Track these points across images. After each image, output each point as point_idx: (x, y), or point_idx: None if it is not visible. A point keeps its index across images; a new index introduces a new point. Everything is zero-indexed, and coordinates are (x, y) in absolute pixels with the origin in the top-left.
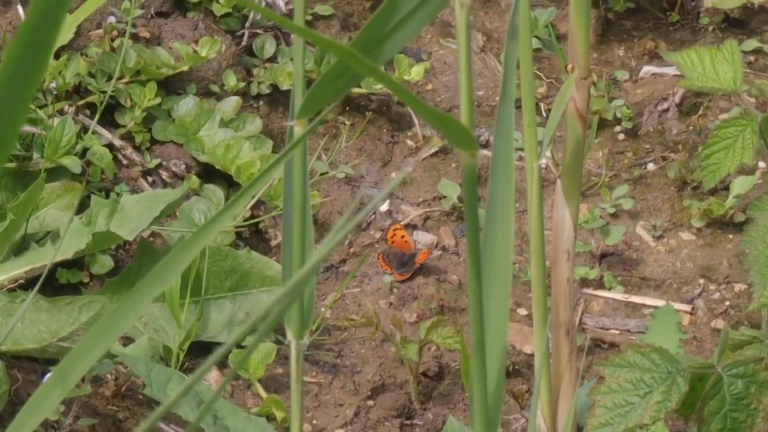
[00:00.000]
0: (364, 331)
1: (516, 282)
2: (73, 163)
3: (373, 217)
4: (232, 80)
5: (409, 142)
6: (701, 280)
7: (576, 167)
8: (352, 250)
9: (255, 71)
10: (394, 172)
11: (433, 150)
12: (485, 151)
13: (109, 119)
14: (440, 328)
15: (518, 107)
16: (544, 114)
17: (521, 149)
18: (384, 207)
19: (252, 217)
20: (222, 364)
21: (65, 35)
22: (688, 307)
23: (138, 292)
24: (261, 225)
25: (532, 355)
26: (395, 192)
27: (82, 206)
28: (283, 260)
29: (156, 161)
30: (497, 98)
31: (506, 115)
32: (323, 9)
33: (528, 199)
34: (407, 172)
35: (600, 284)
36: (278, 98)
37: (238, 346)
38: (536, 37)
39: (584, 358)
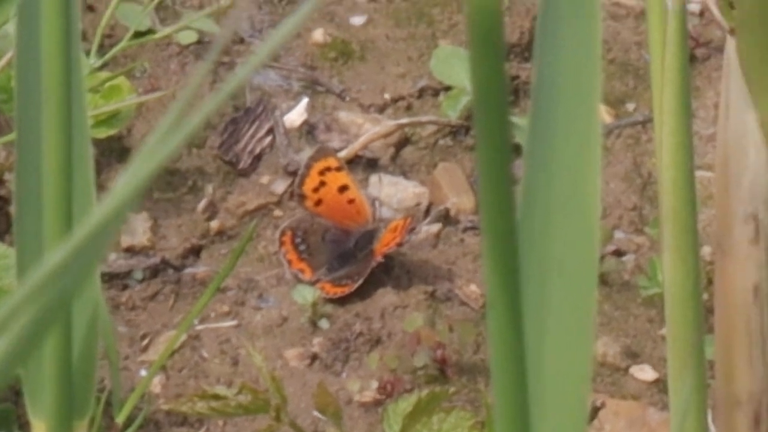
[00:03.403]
0: (249, 424)
1: (620, 299)
2: None
3: (268, 138)
4: None
5: None
6: None
7: None
8: (214, 223)
9: None
10: (322, 29)
11: None
12: None
13: None
14: (438, 417)
15: None
16: None
17: None
18: (297, 113)
19: None
20: None
21: None
22: None
23: None
24: None
25: None
26: (322, 76)
27: None
28: (17, 244)
29: None
30: None
31: None
32: None
33: (654, 92)
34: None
35: None
36: None
37: None
38: None
39: None
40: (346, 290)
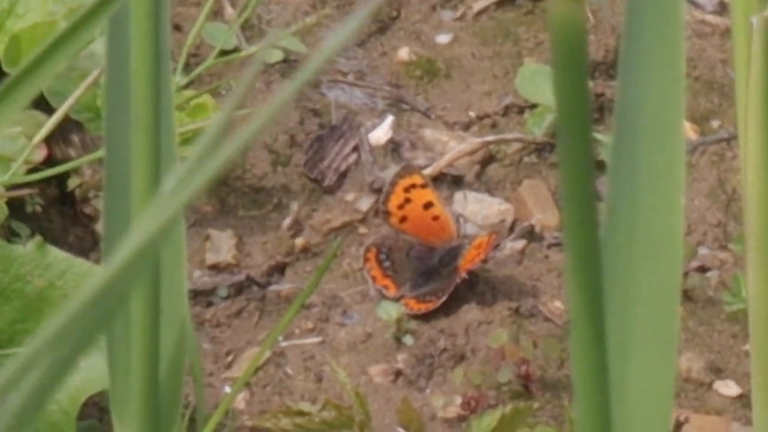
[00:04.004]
0: None
1: (704, 314)
2: None
3: (353, 156)
4: None
5: None
6: None
7: None
8: (299, 240)
9: None
10: (408, 47)
11: None
12: None
13: None
14: None
15: None
16: None
17: None
18: (383, 131)
19: (50, 161)
20: None
21: None
22: None
23: None
24: (74, 183)
25: None
26: (407, 94)
27: None
28: (105, 261)
29: None
30: None
31: None
32: None
33: (738, 109)
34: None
35: None
36: None
37: None
38: None
39: None
40: (431, 306)
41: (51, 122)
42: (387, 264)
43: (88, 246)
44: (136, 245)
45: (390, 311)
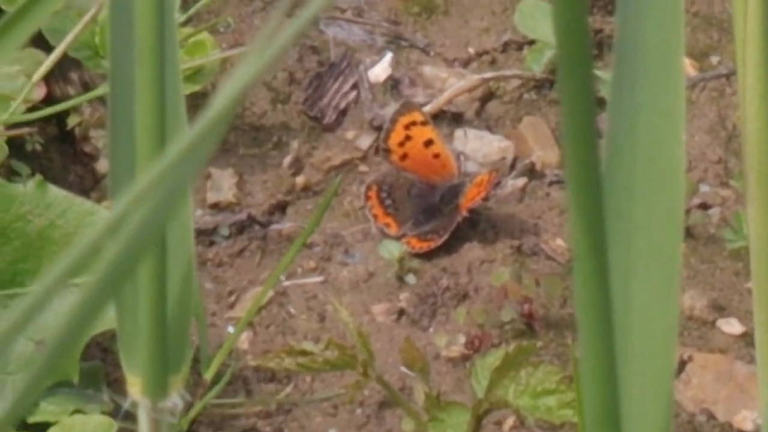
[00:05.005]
0: (336, 380)
1: (706, 252)
2: None
3: (353, 94)
4: None
5: None
6: None
7: None
8: (300, 178)
9: None
10: None
11: None
12: None
13: None
14: (525, 371)
15: None
16: None
17: None
18: (382, 68)
19: (50, 99)
20: None
21: None
22: None
23: None
24: (74, 121)
25: None
26: (406, 30)
27: None
28: (111, 192)
29: None
30: None
31: None
32: None
33: (737, 44)
34: None
35: None
36: None
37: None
38: None
39: None
40: (432, 245)
41: (50, 60)
42: (388, 202)
43: (88, 185)
44: (143, 186)
45: (392, 250)
